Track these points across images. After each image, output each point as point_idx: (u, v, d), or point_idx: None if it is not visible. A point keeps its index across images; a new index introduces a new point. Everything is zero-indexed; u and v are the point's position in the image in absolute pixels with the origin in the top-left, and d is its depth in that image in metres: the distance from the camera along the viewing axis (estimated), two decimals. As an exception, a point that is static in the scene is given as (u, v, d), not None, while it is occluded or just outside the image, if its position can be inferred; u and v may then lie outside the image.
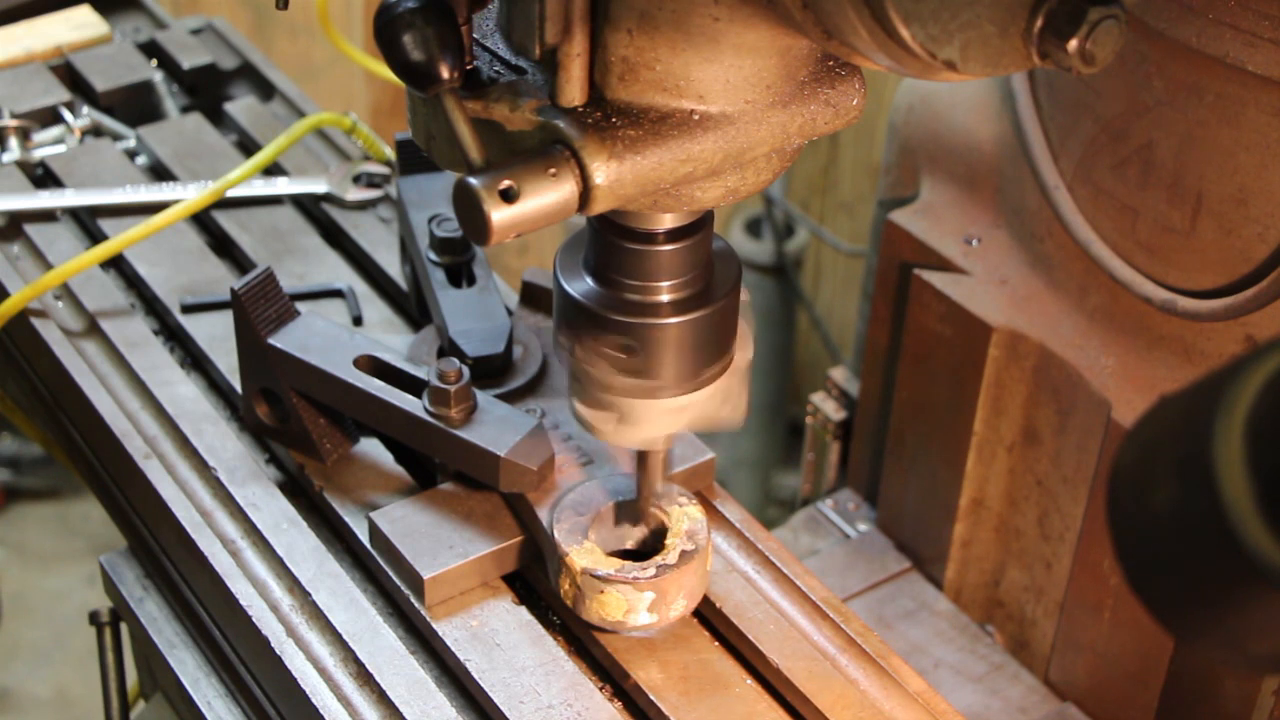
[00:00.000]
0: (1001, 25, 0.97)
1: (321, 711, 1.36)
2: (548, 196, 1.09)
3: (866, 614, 1.86)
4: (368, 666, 1.38)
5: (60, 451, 1.86)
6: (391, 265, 1.81)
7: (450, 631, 1.42)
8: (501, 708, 1.35)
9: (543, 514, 1.44)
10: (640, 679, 1.39)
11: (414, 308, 1.75)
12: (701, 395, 1.30)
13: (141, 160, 1.99)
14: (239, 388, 1.59)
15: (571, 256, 1.29)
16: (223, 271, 1.80)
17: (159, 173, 1.97)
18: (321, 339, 1.50)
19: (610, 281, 1.26)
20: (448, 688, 1.41)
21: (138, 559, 1.69)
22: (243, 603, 1.44)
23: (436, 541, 1.45)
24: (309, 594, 1.44)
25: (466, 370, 1.46)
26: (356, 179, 1.91)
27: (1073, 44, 0.95)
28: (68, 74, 2.10)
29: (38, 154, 1.96)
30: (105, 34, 2.16)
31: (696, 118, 1.13)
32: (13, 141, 1.97)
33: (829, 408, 2.10)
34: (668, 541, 1.41)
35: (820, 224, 3.85)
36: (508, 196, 1.08)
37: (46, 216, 1.86)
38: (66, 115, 2.02)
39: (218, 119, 2.06)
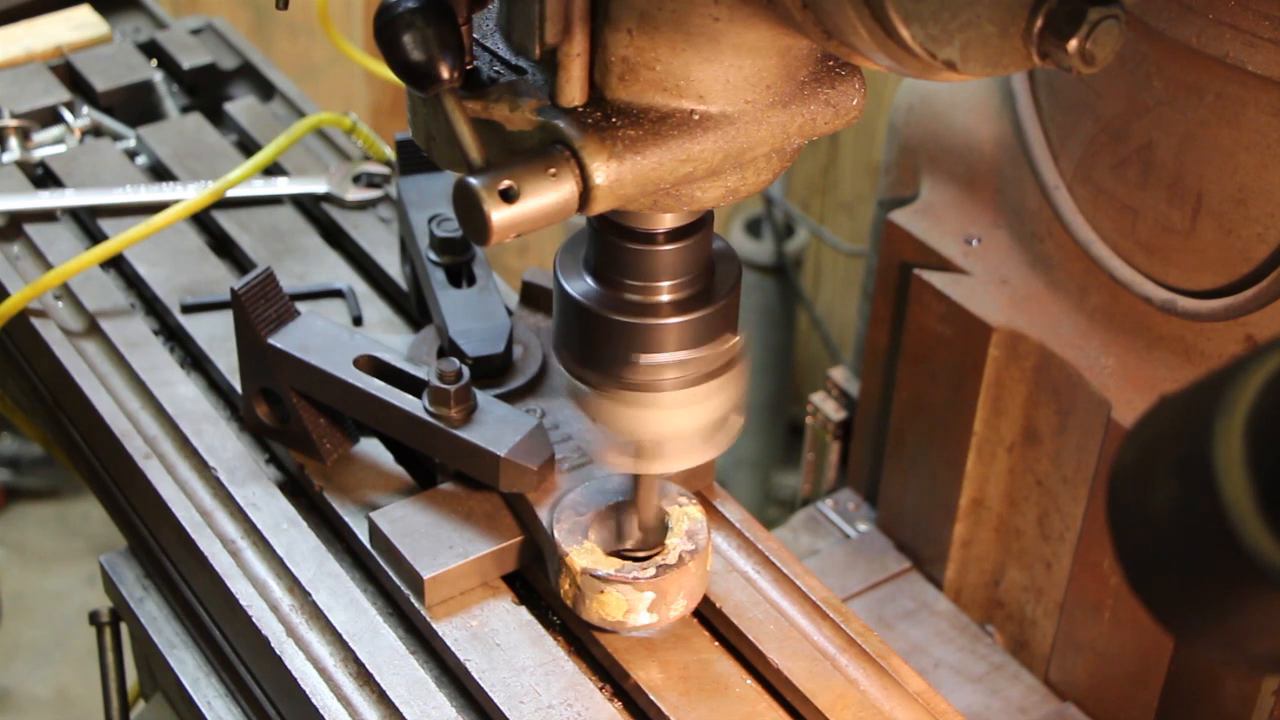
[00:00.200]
0: (1001, 25, 0.97)
1: (321, 711, 1.36)
2: (548, 196, 1.09)
3: (866, 614, 1.86)
4: (368, 666, 1.38)
5: (60, 451, 1.86)
6: (391, 265, 1.81)
7: (450, 631, 1.42)
8: (501, 708, 1.35)
9: (543, 514, 1.44)
10: (640, 679, 1.39)
11: (414, 308, 1.75)
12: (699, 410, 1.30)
13: (141, 160, 1.99)
14: (239, 388, 1.59)
15: (572, 258, 1.29)
16: (223, 271, 1.80)
17: (159, 173, 1.97)
18: (321, 339, 1.50)
19: (611, 282, 1.26)
20: (448, 688, 1.41)
21: (138, 559, 1.69)
22: (243, 603, 1.44)
23: (436, 541, 1.45)
24: (309, 594, 1.44)
25: (466, 370, 1.46)
26: (356, 179, 1.91)
27: (1073, 44, 0.95)
28: (68, 74, 2.10)
29: (38, 154, 1.96)
30: (105, 34, 2.16)
31: (696, 118, 1.13)
32: (13, 141, 1.97)
33: (829, 408, 2.10)
34: (668, 541, 1.41)
35: (820, 224, 3.85)
36: (508, 196, 1.08)
37: (46, 216, 1.86)
38: (66, 115, 2.02)
39: (218, 119, 2.06)
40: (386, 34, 1.12)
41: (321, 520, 1.54)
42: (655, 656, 1.41)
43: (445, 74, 1.12)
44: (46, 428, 1.86)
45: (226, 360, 1.66)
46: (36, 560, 3.89)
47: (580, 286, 1.27)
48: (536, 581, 1.49)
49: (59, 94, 2.05)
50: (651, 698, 1.37)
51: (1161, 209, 1.57)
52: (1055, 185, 1.67)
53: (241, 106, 2.06)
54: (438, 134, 1.21)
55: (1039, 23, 0.96)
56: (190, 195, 1.80)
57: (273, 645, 1.41)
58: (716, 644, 1.44)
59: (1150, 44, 1.52)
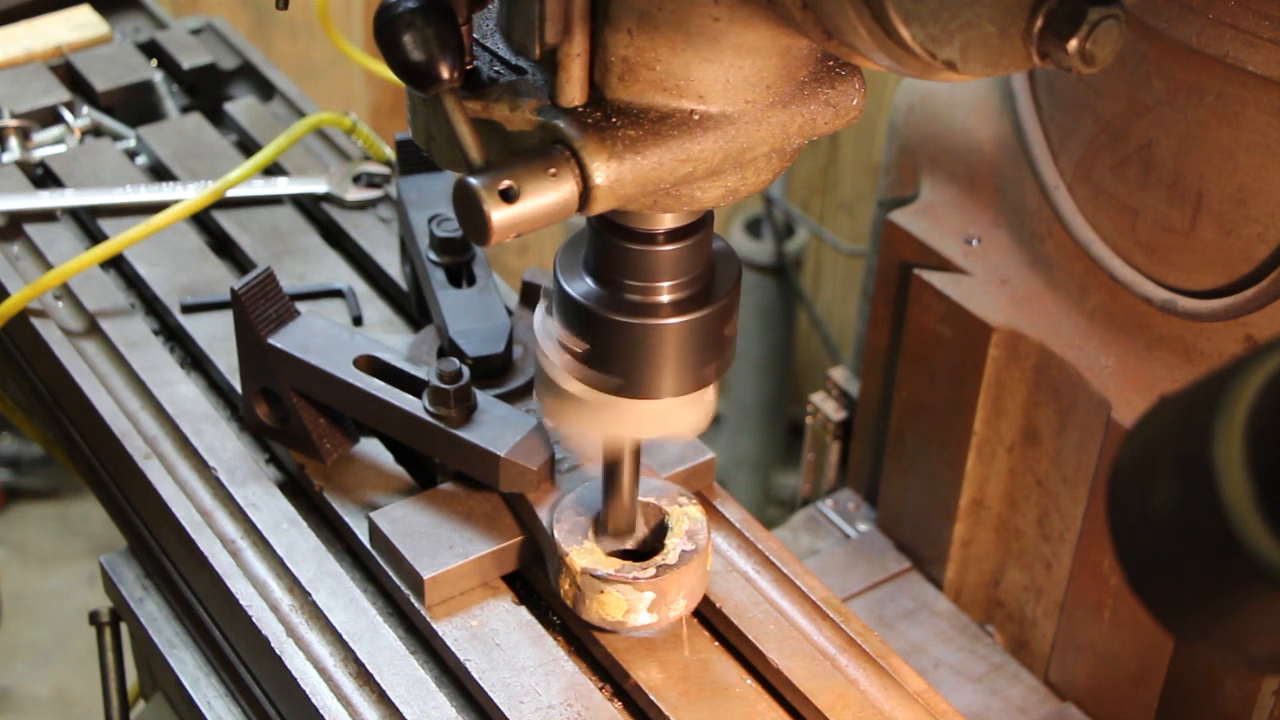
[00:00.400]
0: (1001, 25, 0.97)
1: (321, 711, 1.36)
2: (548, 196, 1.09)
3: (866, 614, 1.86)
4: (368, 666, 1.38)
5: (60, 451, 1.86)
6: (391, 265, 1.81)
7: (450, 631, 1.42)
8: (501, 708, 1.35)
9: (543, 514, 1.44)
10: (640, 679, 1.39)
11: (414, 308, 1.75)
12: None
13: (141, 160, 1.99)
14: (239, 388, 1.59)
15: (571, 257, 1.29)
16: (223, 271, 1.80)
17: (159, 173, 1.97)
18: (321, 339, 1.50)
19: (611, 283, 1.26)
20: (448, 688, 1.41)
21: (138, 559, 1.69)
22: (243, 603, 1.44)
23: (436, 541, 1.45)
24: (309, 594, 1.44)
25: (466, 370, 1.46)
26: (356, 179, 1.91)
27: (1073, 44, 0.95)
28: (68, 74, 2.10)
29: (38, 154, 1.96)
30: (105, 34, 2.16)
31: (696, 118, 1.13)
32: (13, 141, 1.97)
33: (829, 408, 2.10)
34: (668, 541, 1.41)
35: (820, 224, 3.85)
36: (508, 196, 1.08)
37: (46, 216, 1.86)
38: (66, 115, 2.02)
39: (218, 119, 2.06)
40: (386, 34, 1.12)
41: (321, 520, 1.54)
42: (655, 656, 1.41)
43: (445, 74, 1.12)
44: (46, 428, 1.86)
45: (226, 360, 1.66)
46: (36, 560, 3.89)
47: (580, 287, 1.27)
48: (536, 581, 1.49)
49: (59, 94, 2.05)
50: (651, 698, 1.37)
51: (1161, 209, 1.57)
52: (1055, 185, 1.67)
53: (241, 106, 2.07)
54: (438, 134, 1.21)
55: (1039, 23, 0.96)
56: (190, 195, 1.80)
57: (273, 645, 1.41)
58: (716, 644, 1.44)
59: (1150, 44, 1.52)
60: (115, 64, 2.11)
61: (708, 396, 1.32)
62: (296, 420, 1.51)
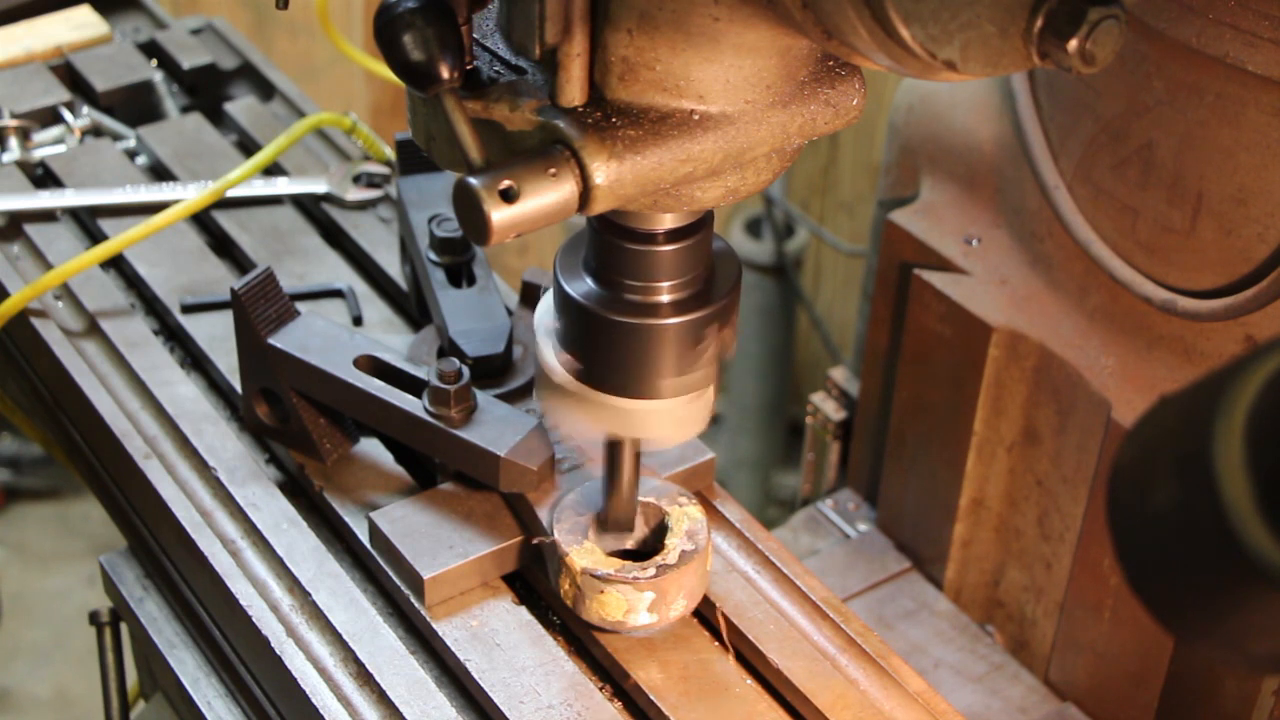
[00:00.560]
0: (1001, 25, 0.97)
1: (321, 711, 1.36)
2: (548, 196, 1.09)
3: (866, 614, 1.86)
4: (368, 666, 1.38)
5: (60, 451, 1.86)
6: (391, 265, 1.81)
7: (450, 631, 1.42)
8: (501, 708, 1.35)
9: (543, 514, 1.44)
10: (640, 679, 1.39)
11: (414, 308, 1.75)
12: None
13: (141, 160, 1.99)
14: (239, 388, 1.59)
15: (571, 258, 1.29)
16: (223, 271, 1.80)
17: (159, 173, 1.97)
18: (321, 339, 1.50)
19: (611, 283, 1.26)
20: (448, 688, 1.41)
21: (138, 559, 1.69)
22: (243, 603, 1.44)
23: (436, 541, 1.45)
24: (309, 594, 1.44)
25: (466, 370, 1.46)
26: (356, 179, 1.91)
27: (1073, 44, 0.95)
28: (68, 74, 2.10)
29: (38, 154, 1.96)
30: (105, 34, 2.16)
31: (696, 118, 1.13)
32: (13, 141, 1.97)
33: (829, 408, 2.10)
34: (668, 541, 1.41)
35: (820, 224, 3.85)
36: (508, 196, 1.08)
37: (46, 216, 1.86)
38: (66, 115, 2.02)
39: (218, 119, 2.06)
40: (386, 34, 1.12)
41: (321, 520, 1.54)
42: (655, 656, 1.41)
43: (445, 74, 1.12)
44: (46, 428, 1.86)
45: (226, 360, 1.66)
46: (36, 560, 3.89)
47: (580, 288, 1.27)
48: (536, 581, 1.49)
49: (59, 94, 2.05)
50: (651, 698, 1.37)
51: (1161, 209, 1.57)
52: (1055, 185, 1.67)
53: (241, 106, 2.07)
54: (438, 134, 1.21)
55: (1039, 23, 0.96)
56: (190, 195, 1.80)
57: (273, 645, 1.41)
58: (716, 644, 1.44)
59: (1150, 44, 1.52)
60: (115, 64, 2.11)
61: (707, 396, 1.32)
62: (296, 420, 1.51)
